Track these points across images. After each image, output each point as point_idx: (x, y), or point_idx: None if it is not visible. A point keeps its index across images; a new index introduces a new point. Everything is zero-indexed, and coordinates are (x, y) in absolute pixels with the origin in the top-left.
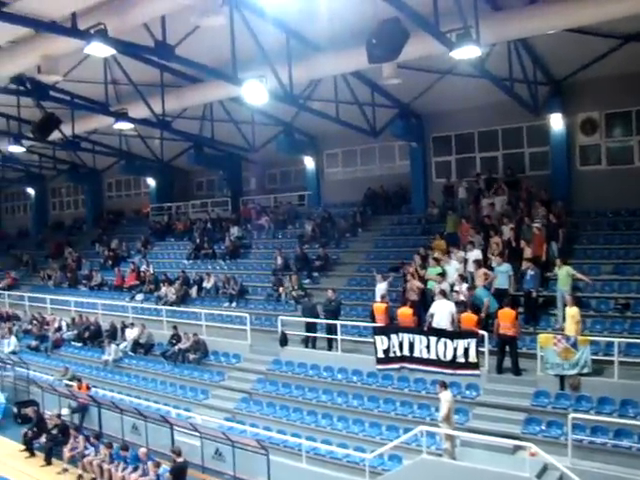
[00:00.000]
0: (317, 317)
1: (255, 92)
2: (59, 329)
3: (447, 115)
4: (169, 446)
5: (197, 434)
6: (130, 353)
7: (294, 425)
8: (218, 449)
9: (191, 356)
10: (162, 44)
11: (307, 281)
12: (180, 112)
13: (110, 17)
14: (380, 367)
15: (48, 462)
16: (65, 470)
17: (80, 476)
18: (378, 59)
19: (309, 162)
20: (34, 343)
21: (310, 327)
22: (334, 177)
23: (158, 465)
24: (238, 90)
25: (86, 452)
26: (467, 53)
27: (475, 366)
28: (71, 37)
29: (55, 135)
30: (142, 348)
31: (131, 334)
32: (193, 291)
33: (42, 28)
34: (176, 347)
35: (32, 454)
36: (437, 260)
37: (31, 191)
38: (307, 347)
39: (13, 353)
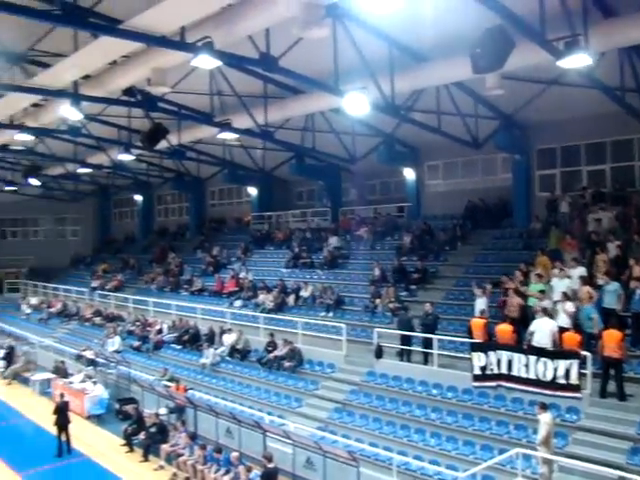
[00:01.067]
0: (413, 330)
1: (356, 103)
2: (160, 331)
3: (552, 126)
4: (261, 451)
5: (289, 441)
6: (227, 358)
7: (386, 438)
8: (309, 458)
9: (286, 364)
10: (266, 56)
11: (404, 293)
12: (282, 123)
13: (216, 30)
14: (476, 384)
15: (146, 458)
16: (161, 467)
17: (175, 474)
18: (483, 69)
19: (409, 173)
20: (136, 344)
21: (406, 340)
22: (434, 189)
23: (249, 469)
24: (339, 101)
25: (181, 451)
26: (576, 62)
27: (576, 388)
28: (179, 50)
29: (162, 144)
30: (239, 353)
31: (229, 339)
32: (290, 299)
33: (153, 43)
34: (272, 354)
35: (131, 449)
36: (540, 276)
37: (138, 198)
38: (402, 360)
39: (117, 352)
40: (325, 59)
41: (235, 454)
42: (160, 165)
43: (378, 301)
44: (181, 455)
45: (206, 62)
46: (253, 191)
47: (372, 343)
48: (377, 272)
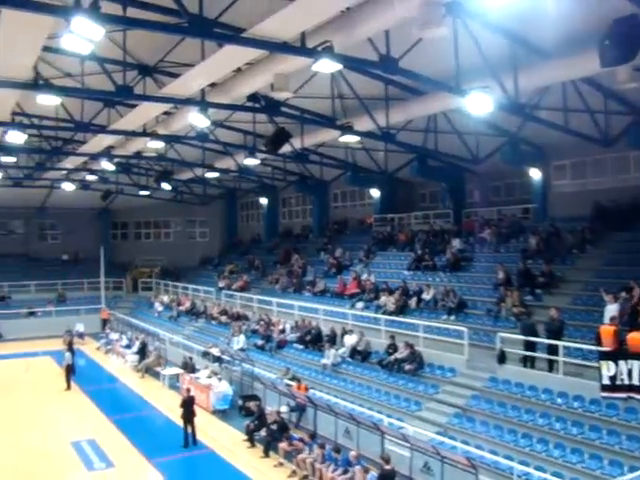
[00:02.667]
0: (537, 336)
1: (479, 103)
2: (283, 331)
3: None
4: (379, 453)
5: (407, 445)
6: (348, 359)
7: (507, 447)
8: (427, 462)
9: (407, 366)
10: (386, 58)
11: (529, 298)
12: (404, 124)
13: (336, 34)
14: (604, 395)
15: (266, 454)
16: (280, 464)
17: (294, 472)
18: (612, 62)
19: (535, 174)
20: (260, 342)
21: (530, 346)
22: (561, 189)
23: (367, 470)
24: (461, 101)
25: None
26: None
27: None
28: (301, 56)
29: (286, 148)
30: (359, 355)
31: (350, 340)
32: (412, 302)
33: (275, 49)
34: (392, 356)
35: (253, 445)
36: None
37: (264, 201)
38: (526, 367)
39: (242, 350)
40: (445, 58)
41: (354, 453)
42: (284, 168)
43: (502, 305)
44: (301, 453)
45: (327, 66)
46: (375, 193)
47: (495, 348)
48: (501, 275)
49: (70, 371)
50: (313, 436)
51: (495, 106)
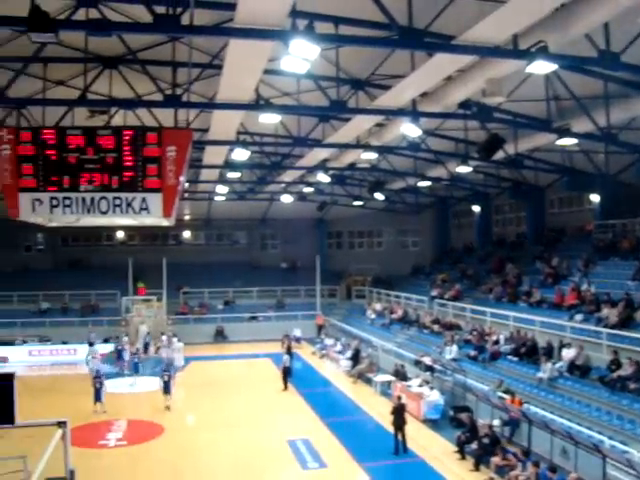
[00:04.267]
0: None
1: None
2: (497, 342)
3: None
4: (599, 478)
5: (633, 472)
6: (565, 374)
7: None
8: None
9: (632, 385)
10: (606, 53)
11: None
12: (627, 123)
13: (550, 33)
14: None
15: (477, 468)
16: (491, 479)
17: None
18: None
19: None
20: (473, 353)
21: None
22: None
23: None
24: None
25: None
26: None
27: None
28: (514, 59)
29: (499, 154)
30: (578, 370)
31: (568, 354)
32: (638, 315)
33: (486, 54)
34: (615, 373)
35: (463, 457)
36: None
37: (476, 209)
38: None
39: (454, 360)
40: None
41: (574, 475)
42: (497, 175)
43: None
44: (514, 470)
45: (541, 67)
46: (595, 198)
47: None
48: None
49: (287, 373)
50: (527, 453)
51: None
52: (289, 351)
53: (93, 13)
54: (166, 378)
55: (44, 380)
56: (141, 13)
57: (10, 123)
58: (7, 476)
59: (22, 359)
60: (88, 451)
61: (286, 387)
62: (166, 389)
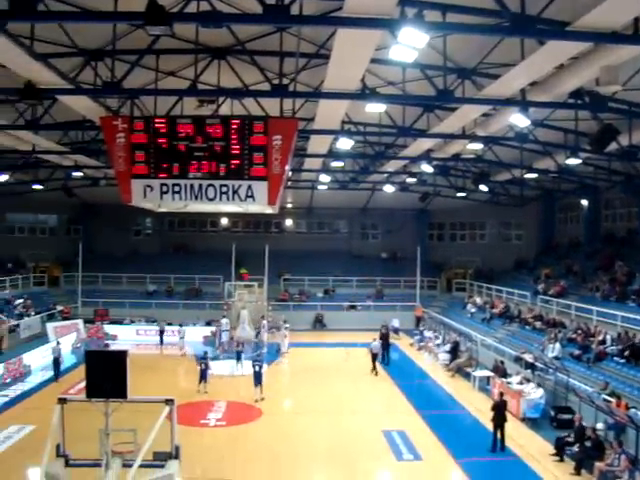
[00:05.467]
0: None
1: None
2: (603, 342)
3: None
4: None
5: None
6: None
7: None
8: None
9: None
10: None
11: None
12: None
13: None
14: None
15: (577, 472)
16: None
17: None
18: None
19: None
20: (577, 352)
21: None
22: None
23: None
24: None
25: (619, 473)
26: None
27: None
28: (633, 45)
29: (611, 146)
30: None
31: None
32: None
33: (603, 40)
34: None
35: (561, 459)
36: None
37: (584, 202)
38: None
39: (556, 358)
40: None
41: None
42: (608, 168)
43: None
44: (618, 478)
45: None
46: None
47: None
48: None
49: (375, 358)
50: (634, 462)
51: None
52: (386, 340)
53: (204, 5)
54: (257, 368)
55: (149, 358)
56: (249, 4)
57: (124, 113)
58: (118, 447)
59: (130, 338)
60: (190, 429)
61: (375, 370)
62: (257, 380)
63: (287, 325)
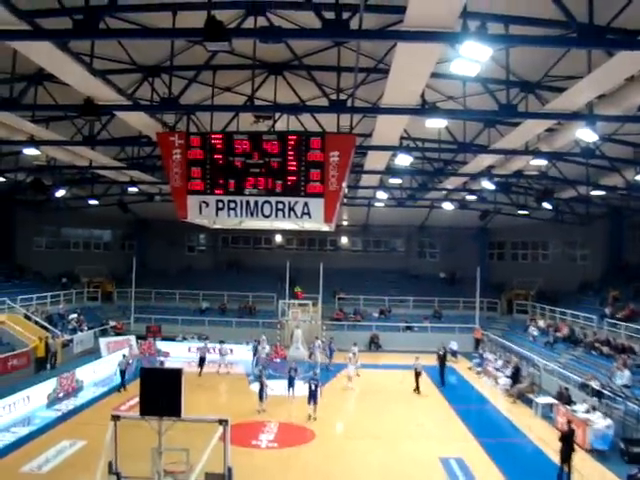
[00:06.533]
0: None
1: None
2: None
3: None
4: None
5: None
6: None
7: None
8: None
9: None
10: None
11: None
12: None
13: None
14: None
15: None
16: None
17: None
18: None
19: None
20: None
21: None
22: None
23: None
24: None
25: None
26: None
27: None
28: None
29: None
30: None
31: None
32: None
33: None
34: None
35: None
36: None
37: None
38: None
39: (626, 387)
40: None
41: None
42: None
43: None
44: None
45: None
46: None
47: None
48: None
49: (419, 377)
50: None
51: None
52: (442, 362)
53: (261, 21)
54: (313, 387)
55: (200, 377)
56: (306, 19)
57: (181, 129)
58: (170, 466)
59: (181, 355)
60: (241, 449)
61: (418, 390)
62: (312, 398)
63: (356, 348)
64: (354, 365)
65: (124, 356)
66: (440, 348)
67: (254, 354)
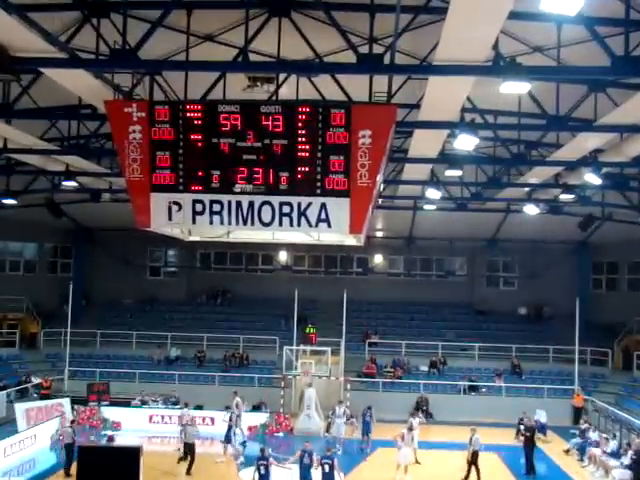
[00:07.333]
0: None
1: None
2: None
3: None
4: None
5: None
6: None
7: None
8: None
9: None
10: None
11: None
12: None
13: None
14: None
15: None
16: None
17: None
18: None
19: None
20: None
21: None
22: None
23: None
24: None
25: None
26: None
27: None
28: None
29: None
30: None
31: None
32: None
33: None
34: None
35: None
36: None
37: None
38: None
39: None
40: None
41: None
42: None
43: None
44: None
45: None
46: None
47: None
48: None
49: (476, 459)
50: None
51: None
52: (530, 441)
53: None
54: (327, 468)
55: (172, 457)
56: None
57: (141, 96)
58: None
59: (140, 427)
60: None
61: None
62: None
63: (415, 421)
64: (410, 446)
65: (72, 422)
66: (527, 421)
67: (230, 426)
